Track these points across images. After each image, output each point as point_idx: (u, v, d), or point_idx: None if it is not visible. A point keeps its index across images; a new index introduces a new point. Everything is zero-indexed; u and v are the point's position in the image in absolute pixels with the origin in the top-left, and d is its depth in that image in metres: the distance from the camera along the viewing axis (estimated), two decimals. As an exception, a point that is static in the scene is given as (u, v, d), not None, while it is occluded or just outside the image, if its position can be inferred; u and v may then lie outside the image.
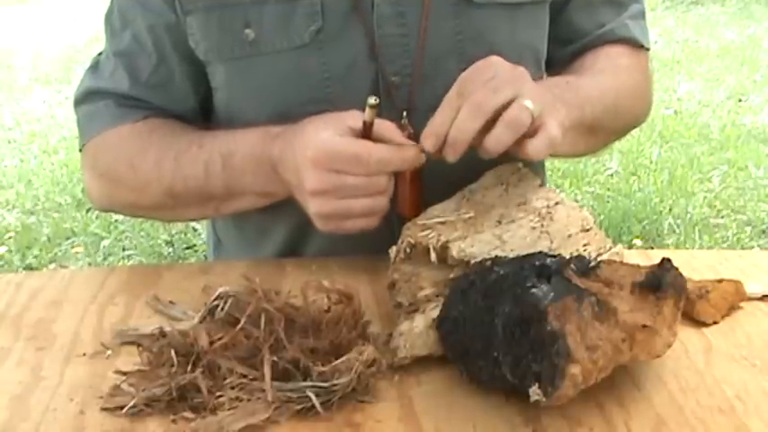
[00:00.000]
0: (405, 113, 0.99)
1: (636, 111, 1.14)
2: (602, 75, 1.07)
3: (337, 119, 0.90)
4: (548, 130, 0.86)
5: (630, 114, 1.13)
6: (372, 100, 0.86)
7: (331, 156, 0.87)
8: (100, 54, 1.12)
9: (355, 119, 0.89)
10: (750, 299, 0.93)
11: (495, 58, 0.89)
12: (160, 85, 1.06)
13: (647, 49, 1.15)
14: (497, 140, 0.84)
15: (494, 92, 0.85)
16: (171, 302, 0.95)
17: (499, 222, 0.88)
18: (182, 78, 1.06)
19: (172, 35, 1.04)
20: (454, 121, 0.85)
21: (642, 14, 1.15)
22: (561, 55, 1.10)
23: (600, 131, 1.07)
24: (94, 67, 1.11)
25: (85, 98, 1.10)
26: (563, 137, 0.91)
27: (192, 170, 1.00)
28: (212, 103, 1.08)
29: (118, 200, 1.10)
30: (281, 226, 1.09)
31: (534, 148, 0.86)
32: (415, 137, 0.97)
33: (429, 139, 0.86)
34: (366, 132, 0.89)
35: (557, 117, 0.90)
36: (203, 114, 1.09)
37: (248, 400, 0.74)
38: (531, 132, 0.86)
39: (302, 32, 0.99)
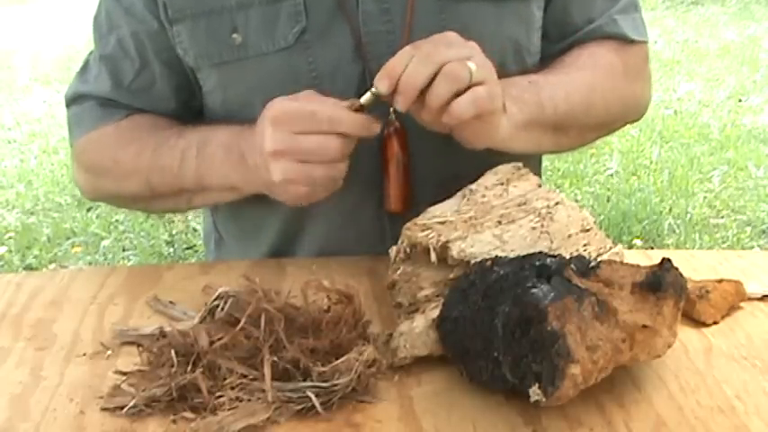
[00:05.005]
0: (391, 110, 0.99)
1: (615, 109, 1.12)
2: (578, 72, 1.07)
3: (293, 96, 0.93)
4: (476, 91, 0.88)
5: (607, 113, 1.11)
6: (377, 89, 0.89)
7: (288, 113, 0.90)
8: (91, 53, 1.14)
9: (311, 95, 0.93)
10: (750, 299, 0.93)
11: (452, 34, 0.92)
12: (142, 89, 1.09)
13: (644, 42, 1.14)
14: (436, 94, 0.87)
15: (446, 47, 0.88)
16: (171, 302, 0.95)
17: (499, 222, 0.88)
18: (163, 84, 1.09)
19: (154, 42, 1.06)
20: (406, 69, 0.87)
21: (634, 7, 1.13)
22: (551, 51, 1.10)
23: (570, 129, 1.07)
24: (83, 69, 1.14)
25: (73, 100, 1.15)
26: (519, 134, 0.97)
27: (169, 159, 1.03)
28: (194, 105, 1.10)
29: (102, 190, 1.14)
30: (275, 220, 1.11)
31: (458, 104, 0.87)
32: (402, 133, 0.99)
33: (382, 81, 0.88)
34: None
35: (506, 119, 0.94)
36: (185, 116, 1.11)
37: (248, 400, 0.74)
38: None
39: (287, 34, 1.00)
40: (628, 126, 1.21)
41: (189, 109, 1.11)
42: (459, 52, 0.88)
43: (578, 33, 1.10)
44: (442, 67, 0.87)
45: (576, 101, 1.04)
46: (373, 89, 0.89)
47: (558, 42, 1.11)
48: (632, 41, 1.12)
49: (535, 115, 1.00)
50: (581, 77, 1.06)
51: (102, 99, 1.11)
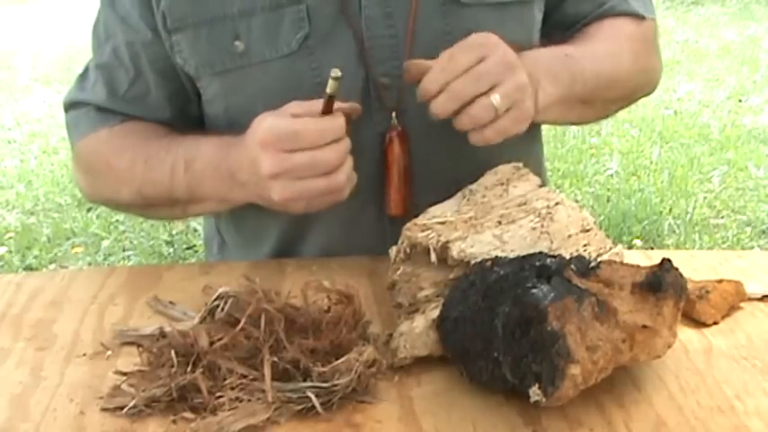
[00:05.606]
0: (394, 114, 1.00)
1: (638, 80, 1.14)
2: (603, 43, 1.09)
3: (279, 110, 0.93)
4: (497, 128, 0.90)
5: (631, 84, 1.13)
6: (335, 72, 0.89)
7: (276, 134, 0.90)
8: (91, 60, 1.15)
9: (296, 106, 0.93)
10: (750, 299, 0.93)
11: (493, 39, 0.92)
12: (137, 98, 1.10)
13: (653, 19, 1.16)
14: (460, 124, 0.90)
15: (474, 81, 0.89)
16: (171, 303, 0.95)
17: (499, 222, 0.88)
18: (157, 93, 1.09)
19: (148, 52, 1.07)
20: (434, 100, 0.90)
21: None
22: (564, 37, 1.11)
23: (596, 102, 1.09)
24: (82, 76, 1.15)
25: (71, 106, 1.16)
26: (549, 109, 0.98)
27: (160, 174, 1.03)
28: (191, 112, 1.11)
29: (100, 194, 1.15)
30: (277, 224, 1.11)
31: (477, 135, 0.91)
32: (404, 137, 1.00)
33: (423, 94, 0.91)
34: (328, 106, 0.91)
35: (542, 94, 0.96)
36: (182, 122, 1.11)
37: (248, 400, 0.74)
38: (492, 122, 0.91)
39: (290, 40, 1.00)
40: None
41: (186, 116, 1.11)
42: (486, 84, 0.88)
43: (591, 16, 1.12)
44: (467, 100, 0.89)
45: (605, 74, 1.06)
46: (332, 73, 0.89)
47: (569, 28, 1.13)
48: (643, 18, 1.14)
49: (567, 92, 1.01)
50: (606, 48, 1.08)
51: (99, 107, 1.11)
